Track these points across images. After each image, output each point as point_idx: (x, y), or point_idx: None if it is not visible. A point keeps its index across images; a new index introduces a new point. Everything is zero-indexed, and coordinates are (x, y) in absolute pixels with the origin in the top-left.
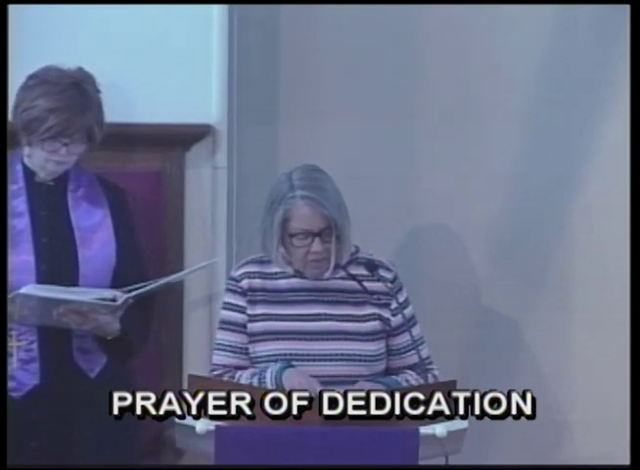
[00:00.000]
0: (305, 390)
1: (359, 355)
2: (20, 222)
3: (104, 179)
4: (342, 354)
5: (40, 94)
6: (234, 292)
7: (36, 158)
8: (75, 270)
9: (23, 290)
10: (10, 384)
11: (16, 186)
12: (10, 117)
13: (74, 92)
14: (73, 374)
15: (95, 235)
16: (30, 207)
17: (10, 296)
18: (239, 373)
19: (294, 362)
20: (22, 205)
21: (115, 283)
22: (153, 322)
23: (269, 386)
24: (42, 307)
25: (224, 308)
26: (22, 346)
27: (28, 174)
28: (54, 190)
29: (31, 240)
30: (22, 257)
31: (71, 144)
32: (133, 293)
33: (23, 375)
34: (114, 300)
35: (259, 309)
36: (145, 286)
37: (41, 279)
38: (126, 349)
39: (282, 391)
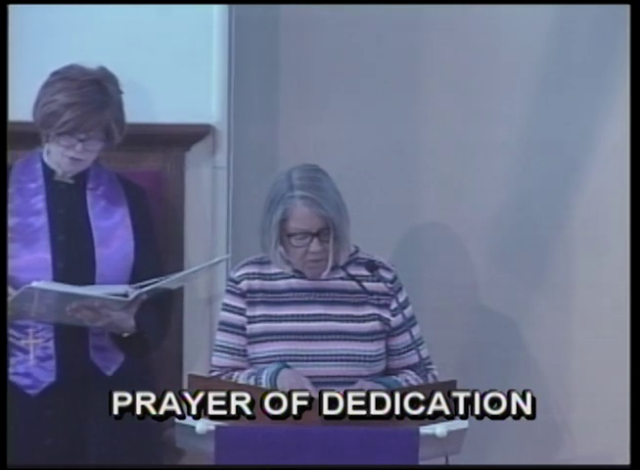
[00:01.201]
0: (304, 390)
1: (359, 356)
2: (37, 220)
3: (124, 178)
4: (341, 355)
5: (59, 89)
6: (233, 293)
7: (53, 154)
8: (92, 269)
9: (34, 284)
10: (26, 381)
11: (34, 184)
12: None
13: (93, 89)
14: (90, 372)
15: (114, 234)
16: (48, 205)
17: (21, 289)
18: (236, 374)
19: (293, 363)
20: (41, 203)
21: (134, 282)
22: (170, 320)
23: (264, 387)
24: (56, 304)
25: (223, 310)
26: (38, 343)
27: (47, 173)
28: (73, 188)
29: (48, 238)
30: (38, 254)
31: (87, 140)
32: (145, 288)
33: (40, 372)
34: (125, 295)
35: (259, 311)
36: (157, 281)
37: (57, 277)
38: (143, 347)
39: (282, 391)
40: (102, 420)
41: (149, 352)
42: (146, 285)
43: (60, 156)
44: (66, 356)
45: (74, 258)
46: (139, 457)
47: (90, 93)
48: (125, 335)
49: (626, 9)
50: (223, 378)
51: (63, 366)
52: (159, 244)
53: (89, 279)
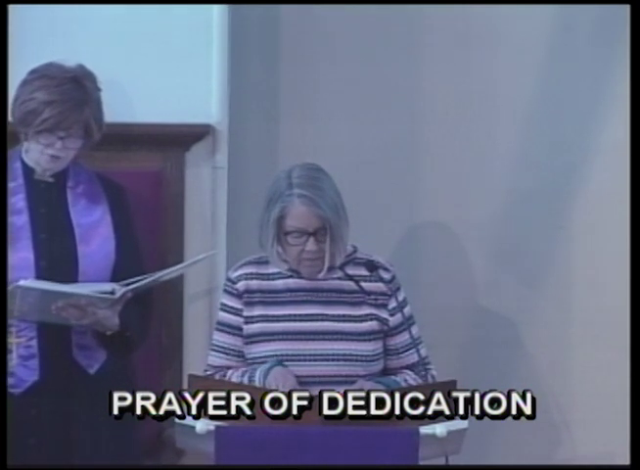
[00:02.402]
0: (304, 390)
1: (356, 355)
2: (19, 219)
3: (103, 177)
4: (338, 355)
5: (38, 87)
6: (230, 294)
7: (32, 152)
8: (75, 267)
9: (22, 283)
10: (9, 380)
11: (15, 183)
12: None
13: (72, 86)
14: (73, 370)
15: (94, 232)
16: (29, 204)
17: (9, 289)
18: (230, 372)
19: (290, 363)
20: (21, 202)
21: (115, 280)
22: (152, 318)
23: (257, 384)
24: (41, 302)
25: (221, 310)
26: (21, 342)
27: (27, 171)
28: (53, 187)
29: (30, 237)
30: (20, 254)
31: (67, 138)
32: (131, 286)
33: (23, 371)
34: (112, 293)
35: (256, 311)
36: (143, 279)
37: (40, 276)
38: (125, 345)
39: (271, 389)
40: (86, 418)
41: (131, 351)
42: (133, 283)
43: (39, 154)
44: (49, 355)
45: (57, 256)
46: (124, 455)
47: (69, 91)
48: (109, 333)
49: (626, 9)
50: (217, 377)
51: (46, 365)
52: (139, 240)
53: (72, 277)
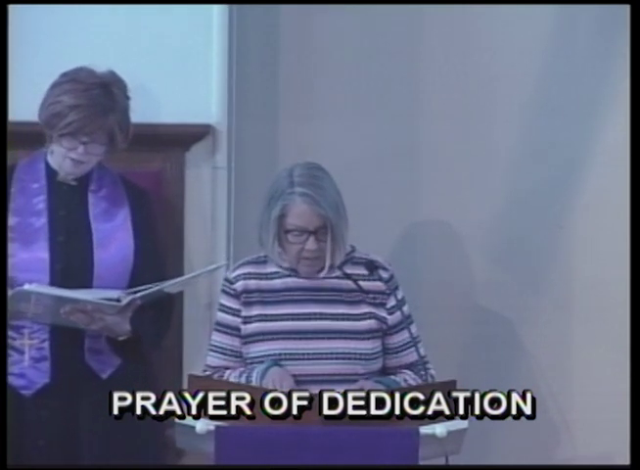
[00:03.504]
0: (305, 389)
1: (354, 354)
2: (37, 221)
3: (127, 180)
4: (336, 353)
5: (65, 91)
6: (228, 294)
7: (56, 155)
8: (90, 271)
9: (26, 287)
10: (20, 382)
11: (37, 184)
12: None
13: (99, 92)
14: (84, 374)
15: (113, 236)
16: (49, 205)
17: (14, 291)
18: (228, 372)
19: (289, 362)
20: (42, 203)
21: (134, 285)
22: (167, 324)
23: (254, 384)
24: (51, 305)
25: (219, 310)
26: (33, 344)
27: (50, 173)
28: (75, 190)
29: (47, 239)
30: (36, 255)
31: (90, 143)
32: (138, 294)
33: (34, 373)
34: (118, 300)
35: (255, 310)
36: (150, 287)
37: (55, 278)
38: (139, 350)
39: (268, 388)
40: (95, 422)
41: (146, 356)
42: (139, 291)
43: (62, 158)
44: (60, 358)
45: (73, 259)
46: (133, 459)
47: (95, 96)
48: (121, 339)
49: (626, 9)
50: (215, 377)
51: (57, 368)
52: (160, 247)
53: (87, 281)
